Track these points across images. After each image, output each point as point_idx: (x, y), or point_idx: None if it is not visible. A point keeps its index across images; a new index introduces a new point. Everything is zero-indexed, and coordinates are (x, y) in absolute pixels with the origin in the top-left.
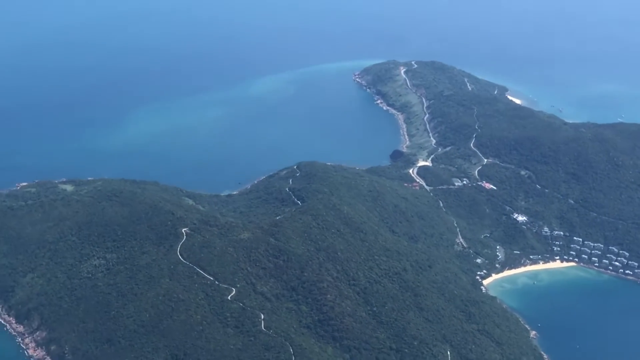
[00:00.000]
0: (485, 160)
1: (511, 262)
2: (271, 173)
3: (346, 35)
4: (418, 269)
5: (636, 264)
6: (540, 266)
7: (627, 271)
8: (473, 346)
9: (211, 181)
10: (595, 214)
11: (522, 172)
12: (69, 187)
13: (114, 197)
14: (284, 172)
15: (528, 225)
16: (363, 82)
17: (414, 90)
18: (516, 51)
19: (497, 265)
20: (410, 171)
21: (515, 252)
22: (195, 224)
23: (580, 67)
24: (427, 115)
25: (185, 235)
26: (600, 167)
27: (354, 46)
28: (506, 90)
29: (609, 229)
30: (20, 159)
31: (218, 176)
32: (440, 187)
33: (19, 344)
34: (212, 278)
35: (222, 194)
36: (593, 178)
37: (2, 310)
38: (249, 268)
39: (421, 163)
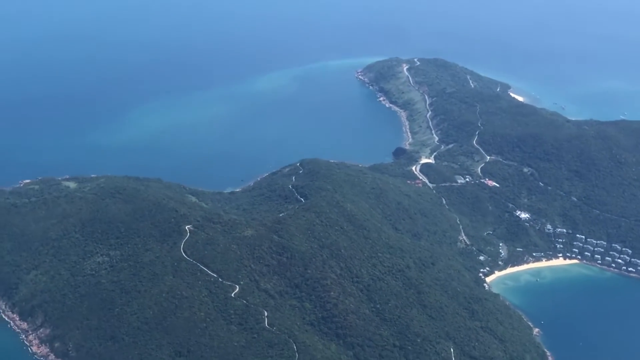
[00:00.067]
0: (488, 157)
1: (514, 260)
2: (274, 170)
3: (349, 32)
4: (421, 266)
5: (639, 261)
6: (543, 263)
7: (630, 268)
8: (476, 343)
9: (214, 178)
10: (598, 212)
11: (525, 170)
12: (72, 184)
13: (117, 194)
14: (287, 169)
15: (531, 223)
16: (366, 79)
17: (416, 88)
18: (519, 48)
19: (500, 263)
20: (413, 168)
21: (518, 249)
22: (198, 221)
23: (583, 64)
24: (430, 112)
25: (189, 232)
26: (603, 165)
27: (356, 43)
28: (509, 87)
29: (612, 227)
30: (23, 156)
31: (221, 173)
32: (443, 185)
33: (23, 341)
34: (215, 275)
35: (225, 191)
36: (596, 175)
37: (5, 307)
38: (252, 265)
39: (424, 160)
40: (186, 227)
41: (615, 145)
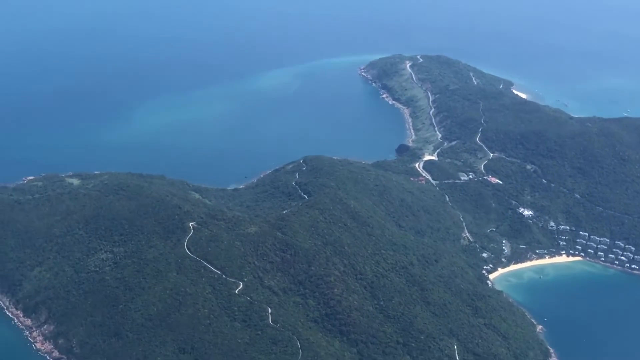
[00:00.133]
0: (491, 154)
1: (517, 257)
2: (277, 167)
3: (351, 29)
4: (424, 263)
5: None
6: (546, 260)
7: (633, 266)
8: (479, 340)
9: (217, 175)
10: (601, 209)
11: (528, 167)
12: (75, 181)
13: (120, 190)
14: (290, 166)
15: (534, 220)
16: (369, 76)
17: (419, 85)
18: (522, 45)
19: (503, 260)
20: (416, 165)
21: (521, 246)
22: (202, 217)
23: (586, 61)
24: (433, 109)
25: (193, 229)
26: (606, 162)
27: (359, 40)
28: (512, 84)
29: (615, 224)
30: (27, 153)
31: (224, 170)
32: (446, 182)
33: (27, 338)
34: (219, 272)
35: (229, 188)
36: (599, 172)
37: (9, 304)
38: (256, 262)
39: (427, 157)
40: (190, 224)
41: (619, 143)
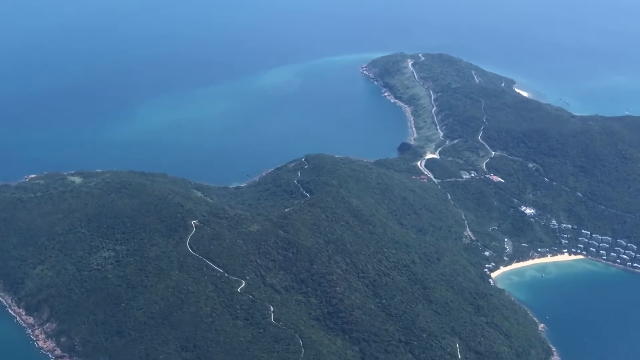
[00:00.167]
0: (493, 152)
1: (519, 255)
2: (279, 165)
3: (353, 27)
4: (427, 262)
5: None
6: (548, 259)
7: (635, 264)
8: (482, 339)
9: (219, 173)
10: (603, 207)
11: (530, 165)
12: (77, 179)
13: (122, 189)
14: (292, 164)
15: (536, 218)
16: (370, 74)
17: (421, 83)
18: (523, 44)
19: (505, 258)
20: (418, 164)
21: (523, 244)
22: (204, 216)
23: (588, 59)
24: (435, 107)
25: (195, 227)
26: (608, 160)
27: (361, 38)
28: (513, 83)
29: (617, 222)
30: (29, 151)
31: (226, 168)
32: (448, 180)
33: (29, 336)
34: (221, 270)
35: (231, 186)
36: (601, 171)
37: (12, 302)
38: (258, 260)
39: (429, 156)
40: (192, 222)
41: (621, 141)
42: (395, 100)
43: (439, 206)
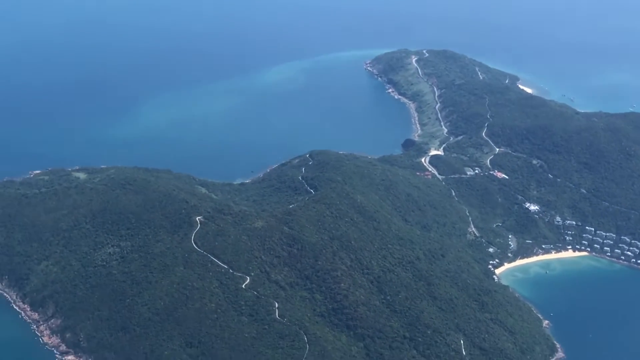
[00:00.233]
0: (497, 149)
1: (523, 252)
2: (283, 161)
3: (357, 23)
4: (431, 258)
5: None
6: (553, 255)
7: (639, 261)
8: (486, 335)
9: (223, 169)
10: (607, 204)
11: (534, 162)
12: (82, 175)
13: (127, 185)
14: (296, 160)
15: (540, 215)
16: (374, 70)
17: (425, 79)
18: (527, 40)
19: (509, 255)
20: (422, 160)
21: (527, 241)
22: (209, 212)
23: (592, 56)
24: (439, 104)
25: (200, 223)
26: (613, 157)
27: (365, 35)
28: (517, 79)
29: (621, 219)
30: (33, 147)
31: (230, 164)
32: (452, 176)
33: (34, 331)
34: (226, 266)
35: (235, 182)
36: (605, 168)
37: (17, 298)
38: (263, 256)
39: (433, 152)
40: (197, 219)
41: (625, 138)
42: (399, 96)
43: (443, 202)
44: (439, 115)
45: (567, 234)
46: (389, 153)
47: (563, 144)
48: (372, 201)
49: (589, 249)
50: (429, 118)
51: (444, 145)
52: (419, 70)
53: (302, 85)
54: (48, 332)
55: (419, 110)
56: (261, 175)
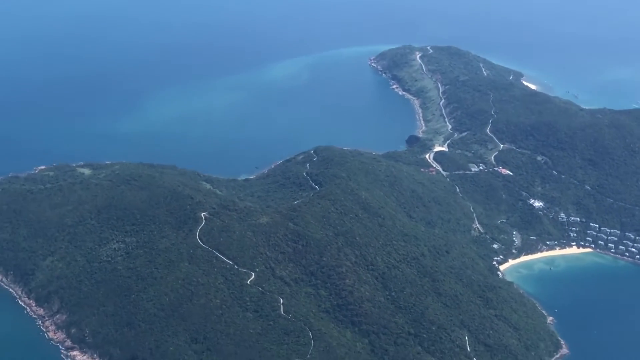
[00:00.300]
0: (502, 145)
1: (528, 248)
2: (288, 157)
3: (362, 20)
4: (436, 254)
5: None
6: (557, 252)
7: None
8: (491, 331)
9: (228, 165)
10: (611, 200)
11: (539, 158)
12: (86, 171)
13: (132, 180)
14: (301, 156)
15: (544, 211)
16: (379, 67)
17: (429, 76)
18: (531, 36)
19: (513, 251)
20: (427, 156)
21: (531, 237)
22: (214, 208)
23: (596, 53)
24: (443, 100)
25: (205, 219)
26: (617, 153)
27: (369, 31)
28: (522, 75)
29: (626, 215)
30: (38, 143)
31: (235, 160)
32: (456, 173)
33: (39, 327)
34: (231, 262)
35: (239, 178)
36: (609, 164)
37: (22, 293)
38: (268, 252)
39: (437, 148)
40: (202, 214)
41: (629, 134)
42: (404, 92)
43: (448, 199)
44: (443, 111)
45: (572, 231)
46: (394, 149)
47: (567, 140)
48: (377, 197)
49: (593, 246)
50: (433, 114)
51: (448, 142)
52: (423, 66)
53: (306, 81)
54: (53, 327)
55: (423, 106)
56: (266, 171)
